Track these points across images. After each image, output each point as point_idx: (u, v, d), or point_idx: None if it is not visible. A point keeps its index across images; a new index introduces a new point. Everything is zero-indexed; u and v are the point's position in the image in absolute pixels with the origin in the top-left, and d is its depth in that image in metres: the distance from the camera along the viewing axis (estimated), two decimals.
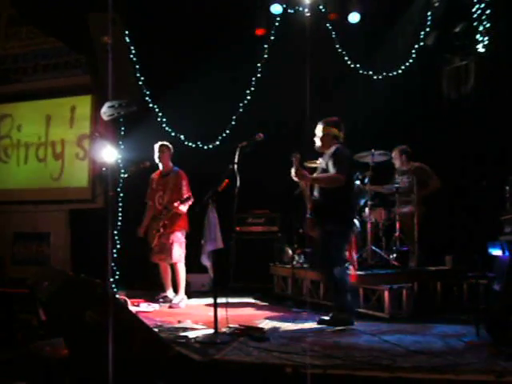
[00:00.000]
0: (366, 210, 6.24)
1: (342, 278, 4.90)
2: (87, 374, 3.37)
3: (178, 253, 6.37)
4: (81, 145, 8.80)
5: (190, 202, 6.24)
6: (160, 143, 6.57)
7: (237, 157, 4.71)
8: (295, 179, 5.00)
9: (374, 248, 6.11)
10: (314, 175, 5.09)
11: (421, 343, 4.13)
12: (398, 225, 6.23)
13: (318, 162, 6.50)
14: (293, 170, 4.95)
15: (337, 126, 5.13)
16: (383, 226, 6.41)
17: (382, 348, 4.01)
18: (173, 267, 6.47)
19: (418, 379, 3.29)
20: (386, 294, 5.23)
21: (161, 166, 6.59)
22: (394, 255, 6.12)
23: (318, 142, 5.17)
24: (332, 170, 4.87)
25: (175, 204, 6.17)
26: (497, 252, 4.42)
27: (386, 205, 6.51)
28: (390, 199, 6.59)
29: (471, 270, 5.52)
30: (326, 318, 4.94)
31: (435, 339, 4.28)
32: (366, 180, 6.32)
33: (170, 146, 6.62)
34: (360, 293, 5.54)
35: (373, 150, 6.35)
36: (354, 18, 7.44)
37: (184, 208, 6.27)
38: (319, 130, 5.14)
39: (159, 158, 6.54)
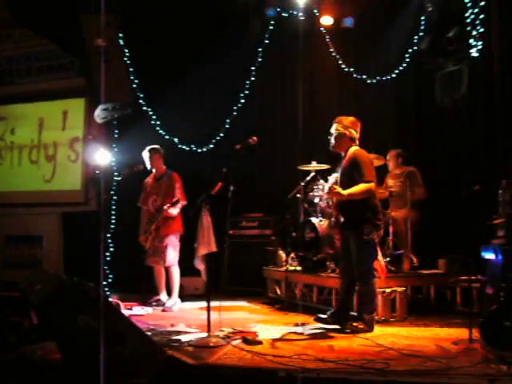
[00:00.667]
0: None
1: (374, 290, 4.89)
2: (79, 377, 3.35)
3: (172, 256, 6.35)
4: (73, 147, 8.77)
5: (179, 205, 6.23)
6: (148, 148, 6.53)
7: (230, 160, 4.70)
8: (328, 196, 5.05)
9: None
10: (347, 190, 4.72)
11: (414, 347, 4.13)
12: (391, 229, 6.23)
13: (312, 165, 6.52)
14: (327, 187, 4.99)
15: (355, 126, 5.02)
16: None
17: (376, 351, 4.01)
18: (167, 270, 6.46)
19: (411, 383, 3.29)
20: (380, 297, 5.22)
21: (154, 170, 6.58)
22: (388, 259, 6.12)
23: (333, 142, 5.02)
24: (359, 177, 4.76)
25: (165, 207, 6.16)
26: (490, 256, 4.44)
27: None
28: (384, 203, 6.59)
29: (464, 274, 5.54)
30: (324, 316, 4.97)
31: (428, 343, 4.29)
32: None
33: (159, 148, 6.58)
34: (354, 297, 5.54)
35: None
36: (347, 22, 7.45)
37: (174, 211, 6.25)
38: (336, 129, 5.00)
39: (150, 163, 6.52)
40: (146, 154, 6.51)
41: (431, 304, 5.87)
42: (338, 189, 4.71)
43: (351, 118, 5.05)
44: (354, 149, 4.95)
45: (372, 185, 4.79)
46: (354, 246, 4.85)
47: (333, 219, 5.13)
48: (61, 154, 8.86)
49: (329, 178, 5.25)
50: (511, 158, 6.26)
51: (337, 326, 4.86)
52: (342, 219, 4.98)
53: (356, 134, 5.01)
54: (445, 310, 5.64)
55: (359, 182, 4.75)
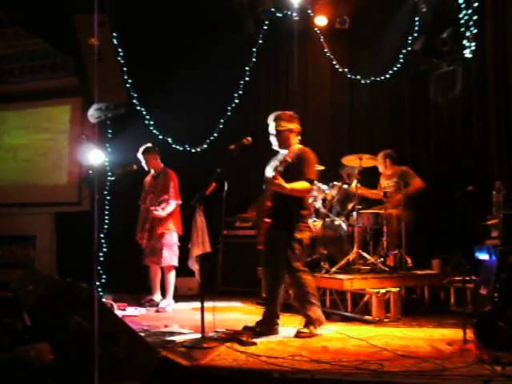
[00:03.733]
0: (354, 214, 6.24)
1: (308, 283, 4.70)
2: (73, 379, 3.33)
3: (169, 256, 6.33)
4: (59, 147, 9.07)
5: (168, 204, 6.21)
6: (141, 150, 6.52)
7: (225, 160, 4.68)
8: (268, 186, 4.71)
9: (361, 252, 6.11)
10: (290, 184, 4.53)
11: (408, 347, 4.13)
12: (385, 229, 6.24)
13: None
14: (269, 175, 4.72)
15: (295, 120, 4.84)
16: (371, 231, 6.41)
17: (370, 352, 4.00)
18: (163, 270, 6.44)
19: None
20: (374, 298, 5.23)
21: (152, 170, 6.59)
22: (382, 259, 6.13)
23: (278, 140, 4.80)
24: (302, 174, 4.61)
25: (151, 208, 6.19)
26: (484, 256, 4.44)
27: (374, 209, 6.51)
28: (378, 203, 6.61)
29: (458, 274, 5.55)
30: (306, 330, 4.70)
31: (423, 343, 4.28)
32: (354, 184, 6.33)
33: (153, 147, 6.56)
34: (348, 297, 5.54)
35: (361, 155, 6.34)
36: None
37: (162, 212, 6.23)
38: (278, 125, 4.77)
39: (146, 163, 6.52)
40: (140, 157, 6.50)
41: (425, 304, 5.88)
42: (281, 181, 4.49)
43: (289, 113, 4.87)
44: (300, 146, 4.83)
45: (313, 184, 4.74)
46: (283, 244, 4.61)
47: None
48: (49, 153, 9.20)
49: (267, 168, 4.97)
50: (505, 159, 6.29)
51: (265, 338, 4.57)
52: (268, 220, 4.65)
53: (298, 128, 4.86)
54: (439, 311, 5.64)
55: (300, 179, 4.60)
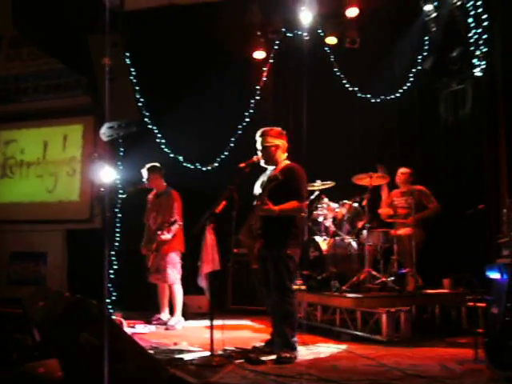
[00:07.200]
0: (364, 232, 6.23)
1: (295, 309, 4.69)
2: None
3: (173, 274, 6.35)
4: (71, 165, 9.29)
5: (176, 226, 6.22)
6: (147, 167, 6.58)
7: (235, 178, 4.71)
8: (257, 213, 4.68)
9: (371, 271, 6.08)
10: (279, 206, 4.51)
11: (419, 367, 4.10)
12: (395, 247, 6.22)
13: (316, 184, 6.53)
14: (256, 200, 4.68)
15: (283, 136, 4.82)
16: (381, 249, 6.38)
17: (380, 372, 3.98)
18: (170, 288, 6.46)
19: None
20: (384, 317, 5.20)
21: (154, 188, 6.64)
22: (392, 278, 6.09)
23: (265, 156, 4.78)
24: (293, 193, 4.59)
25: (158, 232, 6.22)
26: (495, 275, 4.40)
27: (384, 227, 6.49)
28: (388, 221, 6.60)
29: (469, 294, 5.51)
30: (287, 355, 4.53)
31: (433, 363, 4.25)
32: (364, 202, 6.32)
33: (158, 166, 6.62)
34: (358, 316, 5.51)
35: (371, 173, 6.34)
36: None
37: (169, 235, 6.24)
38: (265, 142, 4.77)
39: (148, 181, 6.56)
40: (144, 173, 6.56)
41: (436, 324, 5.84)
42: (269, 205, 4.48)
43: (278, 129, 4.85)
44: (288, 162, 4.82)
45: (305, 203, 4.71)
46: (275, 262, 4.57)
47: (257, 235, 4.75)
48: (61, 170, 9.39)
49: (256, 185, 4.93)
50: None
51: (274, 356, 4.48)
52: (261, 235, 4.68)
53: (286, 144, 4.85)
54: (450, 330, 5.59)
55: (291, 198, 4.57)
